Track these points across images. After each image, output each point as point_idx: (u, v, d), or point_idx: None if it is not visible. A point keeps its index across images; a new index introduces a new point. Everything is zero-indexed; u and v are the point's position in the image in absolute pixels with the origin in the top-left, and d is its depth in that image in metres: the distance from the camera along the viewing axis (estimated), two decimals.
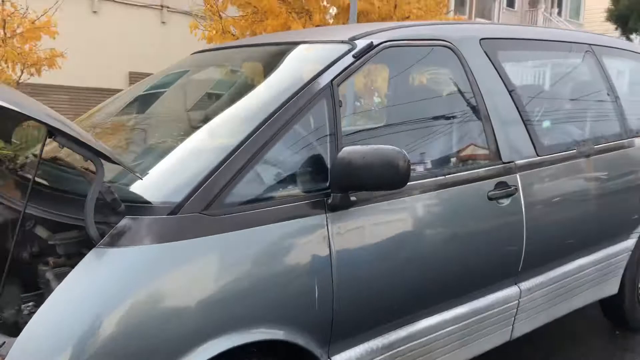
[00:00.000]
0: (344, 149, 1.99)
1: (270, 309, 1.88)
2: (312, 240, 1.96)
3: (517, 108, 2.69)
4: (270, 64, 2.60)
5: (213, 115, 2.31)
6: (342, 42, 2.34)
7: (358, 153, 1.95)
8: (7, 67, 5.76)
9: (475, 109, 2.57)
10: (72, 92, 11.33)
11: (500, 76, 2.67)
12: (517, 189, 2.54)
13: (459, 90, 2.61)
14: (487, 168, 2.51)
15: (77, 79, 10.92)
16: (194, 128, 2.39)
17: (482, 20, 17.68)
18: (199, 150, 2.08)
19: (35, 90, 9.67)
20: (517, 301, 2.63)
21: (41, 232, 2.02)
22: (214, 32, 7.41)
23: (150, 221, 1.75)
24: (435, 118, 2.58)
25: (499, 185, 2.49)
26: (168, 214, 1.77)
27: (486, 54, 2.66)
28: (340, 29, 2.83)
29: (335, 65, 2.19)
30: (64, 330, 1.58)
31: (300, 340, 1.93)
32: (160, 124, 2.70)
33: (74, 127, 1.77)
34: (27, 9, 5.74)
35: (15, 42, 5.64)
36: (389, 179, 1.95)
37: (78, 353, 1.56)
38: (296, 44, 2.57)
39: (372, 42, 2.29)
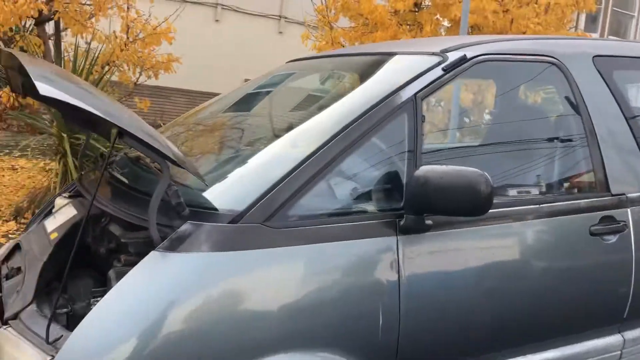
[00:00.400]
0: (422, 167, 1.85)
1: (331, 333, 1.77)
2: (379, 264, 1.84)
3: (634, 135, 2.40)
4: (357, 75, 2.53)
5: (292, 125, 2.27)
6: (433, 53, 2.20)
7: (436, 173, 1.80)
8: (128, 69, 6.14)
9: (581, 133, 2.32)
10: (190, 95, 11.93)
11: (615, 98, 2.40)
12: (626, 226, 2.26)
13: (563, 111, 2.38)
14: (591, 200, 2.25)
15: (196, 83, 11.49)
16: (273, 137, 2.35)
17: (613, 39, 16.44)
18: (269, 159, 2.03)
19: (156, 92, 10.29)
20: (619, 352, 2.34)
21: (115, 229, 2.06)
22: (324, 42, 7.45)
23: (211, 228, 1.73)
24: (533, 140, 2.38)
25: (605, 219, 2.23)
26: (228, 222, 1.73)
27: (599, 73, 2.40)
28: (436, 40, 2.69)
29: (422, 78, 2.06)
30: (113, 332, 1.59)
31: None
32: (242, 131, 2.70)
33: (144, 129, 1.78)
34: (149, 15, 6.09)
35: (137, 47, 5.99)
36: (467, 205, 1.78)
37: (124, 355, 1.55)
38: (387, 54, 2.46)
39: (465, 55, 2.13)
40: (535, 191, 2.24)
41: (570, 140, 2.38)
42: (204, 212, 1.77)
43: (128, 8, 5.90)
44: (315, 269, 1.77)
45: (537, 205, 2.12)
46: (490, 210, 1.83)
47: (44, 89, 1.57)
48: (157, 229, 1.71)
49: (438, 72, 2.08)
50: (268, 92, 2.90)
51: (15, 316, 1.88)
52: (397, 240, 1.86)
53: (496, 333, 2.05)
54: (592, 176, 2.30)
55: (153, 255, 1.68)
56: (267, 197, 1.76)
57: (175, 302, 1.62)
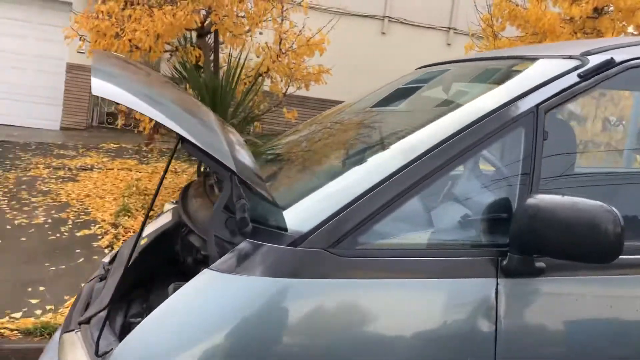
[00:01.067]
0: (536, 195, 1.47)
1: None
2: (471, 311, 1.48)
3: None
4: (479, 83, 2.15)
5: (391, 139, 1.98)
6: (571, 57, 1.78)
7: (549, 204, 1.42)
8: (280, 80, 6.24)
9: None
10: None
11: None
12: None
13: None
14: None
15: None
16: (371, 149, 2.08)
17: None
18: (354, 174, 1.76)
19: (319, 104, 10.48)
20: None
21: (194, 240, 1.95)
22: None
23: (268, 250, 1.50)
24: None
25: None
26: (288, 245, 1.50)
27: None
28: (583, 43, 2.22)
29: (549, 85, 1.67)
30: (155, 346, 1.45)
31: None
32: (347, 140, 2.44)
33: (209, 137, 1.66)
34: (303, 27, 6.13)
35: (289, 58, 6.06)
36: (588, 248, 1.37)
37: None
38: (517, 58, 2.08)
39: (612, 59, 1.69)
40: None
41: None
42: (266, 230, 1.57)
43: (282, 20, 5.99)
44: (384, 307, 1.47)
45: None
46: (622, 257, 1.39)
47: (96, 86, 1.49)
48: (218, 245, 1.56)
49: (572, 78, 1.67)
50: (388, 100, 2.63)
51: (88, 320, 1.85)
52: (497, 284, 1.50)
53: None
54: None
55: (206, 273, 1.51)
56: (337, 219, 1.50)
57: (218, 327, 1.45)
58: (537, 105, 1.63)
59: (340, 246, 1.48)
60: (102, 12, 5.24)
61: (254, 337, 1.44)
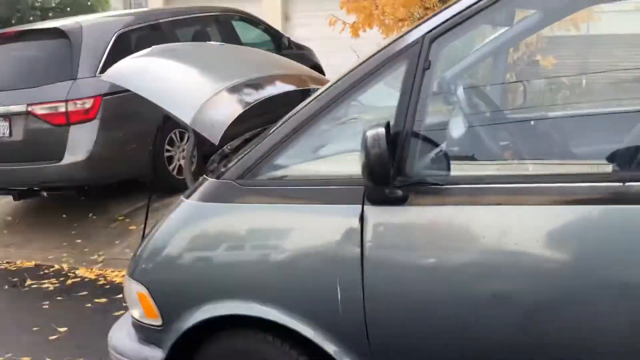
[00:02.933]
0: (374, 128, 1.57)
1: (294, 300, 1.80)
2: (341, 233, 1.72)
3: None
4: None
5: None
6: None
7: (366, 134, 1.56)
8: None
9: None
10: None
11: None
12: None
13: None
14: None
15: None
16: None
17: None
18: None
19: None
20: None
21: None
22: None
23: (204, 181, 2.05)
24: None
25: None
26: (216, 178, 1.94)
27: None
28: None
29: (436, 17, 1.72)
30: (146, 249, 2.14)
31: (329, 348, 1.74)
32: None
33: (184, 98, 2.18)
34: None
35: None
36: (367, 169, 1.58)
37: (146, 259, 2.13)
38: None
39: None
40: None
41: None
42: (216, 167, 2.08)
43: None
44: (269, 226, 1.87)
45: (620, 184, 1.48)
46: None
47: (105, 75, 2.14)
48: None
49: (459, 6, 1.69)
50: None
51: None
52: (363, 211, 1.69)
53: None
54: None
55: (179, 200, 2.11)
56: (243, 157, 1.91)
57: (171, 236, 2.08)
58: (424, 35, 1.69)
59: (244, 178, 1.86)
60: None
61: (186, 242, 2.03)
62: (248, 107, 2.23)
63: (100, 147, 5.08)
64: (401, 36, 1.75)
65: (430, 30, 1.68)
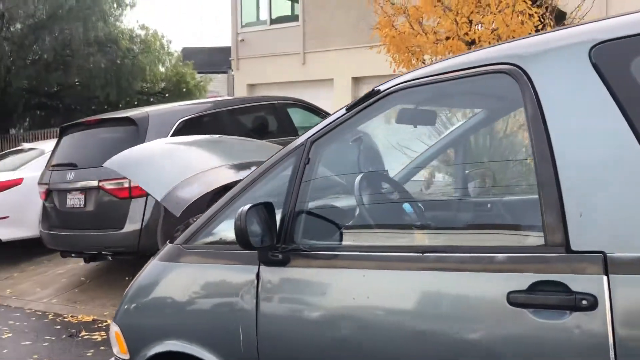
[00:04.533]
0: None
1: (213, 340, 2.31)
2: (243, 288, 2.21)
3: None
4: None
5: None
6: None
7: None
8: None
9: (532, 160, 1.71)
10: None
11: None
12: (596, 301, 1.54)
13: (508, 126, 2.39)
14: (516, 255, 1.70)
15: None
16: None
17: None
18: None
19: None
20: None
21: None
22: None
23: (165, 245, 2.60)
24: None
25: (541, 286, 1.60)
26: (169, 243, 2.52)
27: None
28: None
29: (320, 124, 2.24)
30: (124, 297, 2.74)
31: None
32: None
33: (162, 180, 2.78)
34: None
35: None
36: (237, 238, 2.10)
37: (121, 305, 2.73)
38: None
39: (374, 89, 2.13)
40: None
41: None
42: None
43: None
44: (195, 279, 2.38)
45: (417, 254, 1.88)
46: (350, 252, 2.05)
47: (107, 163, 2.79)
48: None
49: (340, 112, 2.17)
50: None
51: None
52: (259, 270, 2.17)
53: None
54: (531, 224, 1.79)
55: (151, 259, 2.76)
56: (188, 228, 2.47)
57: (138, 287, 2.68)
58: (308, 139, 2.21)
59: (187, 243, 2.43)
60: None
61: (143, 289, 2.65)
62: (211, 189, 2.81)
63: (152, 219, 5.86)
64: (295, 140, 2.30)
65: (312, 135, 2.22)
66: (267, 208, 2.13)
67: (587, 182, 1.60)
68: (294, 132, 7.28)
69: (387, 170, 2.68)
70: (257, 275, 2.19)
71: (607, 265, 1.53)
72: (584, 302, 1.55)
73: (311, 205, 2.23)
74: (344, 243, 2.19)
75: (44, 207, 6.70)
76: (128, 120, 6.35)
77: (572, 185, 1.60)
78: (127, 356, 2.61)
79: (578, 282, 1.57)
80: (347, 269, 2.04)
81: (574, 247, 1.59)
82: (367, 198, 2.30)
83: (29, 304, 6.45)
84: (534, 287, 1.62)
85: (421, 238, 2.21)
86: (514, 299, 1.64)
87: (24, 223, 7.59)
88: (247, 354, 2.20)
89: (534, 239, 1.75)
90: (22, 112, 20.21)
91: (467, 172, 2.64)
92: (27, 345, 5.15)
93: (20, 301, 6.59)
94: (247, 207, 2.07)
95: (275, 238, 2.13)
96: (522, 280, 1.64)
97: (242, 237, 2.06)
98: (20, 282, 7.25)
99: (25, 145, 9.83)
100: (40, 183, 6.75)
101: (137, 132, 6.15)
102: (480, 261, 1.74)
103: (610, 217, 1.56)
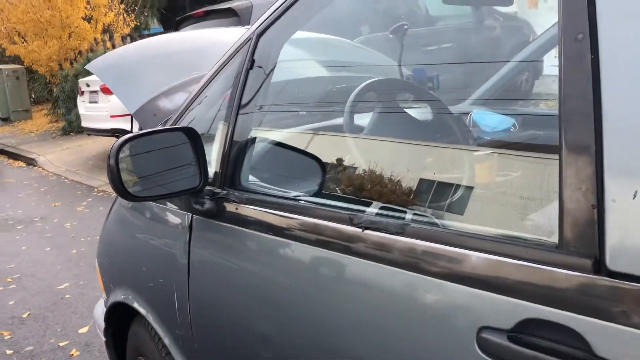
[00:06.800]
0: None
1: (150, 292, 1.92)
2: (178, 236, 1.71)
3: None
4: None
5: None
6: None
7: None
8: None
9: None
10: None
11: None
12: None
13: None
14: None
15: None
16: None
17: None
18: None
19: None
20: None
21: None
22: None
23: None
24: None
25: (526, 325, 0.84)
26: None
27: None
28: None
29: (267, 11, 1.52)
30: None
31: (164, 339, 1.82)
32: None
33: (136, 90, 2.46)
34: None
35: None
36: None
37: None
38: None
39: None
40: None
41: None
42: None
43: None
44: (140, 221, 2.05)
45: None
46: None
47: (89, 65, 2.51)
48: None
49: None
50: None
51: None
52: (192, 217, 1.64)
53: None
54: None
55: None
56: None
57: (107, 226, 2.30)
58: (254, 30, 1.53)
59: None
60: None
61: (108, 230, 2.29)
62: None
63: None
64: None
65: (260, 25, 1.52)
66: (189, 135, 1.54)
67: None
68: None
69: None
70: (190, 226, 1.63)
71: None
72: None
73: (260, 131, 1.63)
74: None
75: None
76: (230, 12, 6.04)
77: None
78: (105, 295, 2.41)
79: None
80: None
81: None
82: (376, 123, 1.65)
83: None
84: None
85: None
86: None
87: None
88: (181, 314, 1.69)
89: None
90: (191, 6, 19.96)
91: None
92: None
93: None
94: (121, 140, 1.47)
95: (201, 179, 1.55)
96: None
97: (114, 182, 1.47)
98: None
99: None
100: None
101: (239, 23, 5.76)
102: None
103: None
